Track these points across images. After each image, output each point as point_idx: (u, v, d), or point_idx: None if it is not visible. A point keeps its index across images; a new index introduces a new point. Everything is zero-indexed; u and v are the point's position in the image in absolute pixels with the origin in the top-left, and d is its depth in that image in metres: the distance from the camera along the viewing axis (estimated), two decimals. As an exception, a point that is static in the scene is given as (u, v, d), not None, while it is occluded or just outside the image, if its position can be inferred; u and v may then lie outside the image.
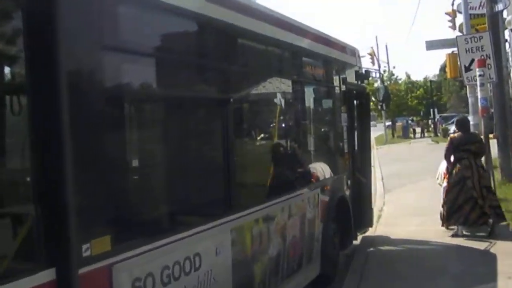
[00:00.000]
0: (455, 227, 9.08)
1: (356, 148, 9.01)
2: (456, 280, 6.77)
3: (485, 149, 9.56)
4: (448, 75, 21.35)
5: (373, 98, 35.73)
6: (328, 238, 7.09)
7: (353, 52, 8.86)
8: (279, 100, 6.13)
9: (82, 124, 3.24)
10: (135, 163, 4.13)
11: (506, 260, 7.37)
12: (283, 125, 6.48)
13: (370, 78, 11.31)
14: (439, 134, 42.23)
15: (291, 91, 6.51)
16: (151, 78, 4.25)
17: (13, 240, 3.07)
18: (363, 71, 9.31)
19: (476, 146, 9.06)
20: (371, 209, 9.68)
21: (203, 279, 4.24)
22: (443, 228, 9.30)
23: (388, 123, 47.59)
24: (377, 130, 51.89)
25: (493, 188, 9.46)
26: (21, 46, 2.98)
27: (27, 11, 2.95)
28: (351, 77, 8.61)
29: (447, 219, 9.06)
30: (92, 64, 3.40)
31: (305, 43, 6.85)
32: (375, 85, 23.87)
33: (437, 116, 50.16)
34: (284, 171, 6.42)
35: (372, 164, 10.95)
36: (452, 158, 9.05)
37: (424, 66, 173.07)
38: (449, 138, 9.57)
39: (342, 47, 8.36)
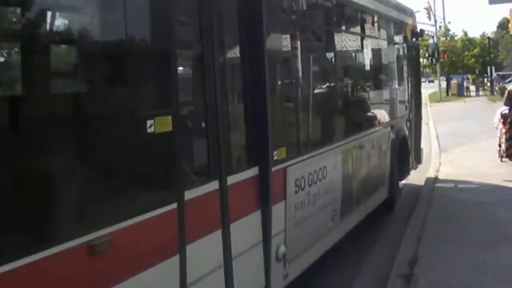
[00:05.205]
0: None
1: (411, 95, 10.50)
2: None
3: None
4: (511, 31, 20.94)
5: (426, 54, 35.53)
6: (394, 168, 8.71)
7: (410, 14, 10.37)
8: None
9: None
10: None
11: None
12: (371, 79, 8.40)
13: (425, 35, 12.80)
14: (495, 93, 39.32)
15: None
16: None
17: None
18: (418, 30, 10.77)
19: None
20: (421, 148, 11.26)
21: (328, 186, 5.85)
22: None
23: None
24: (431, 87, 47.22)
25: None
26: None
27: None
28: (408, 34, 10.09)
29: (506, 151, 12.05)
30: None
31: (371, 3, 8.20)
32: (430, 41, 24.09)
33: (494, 74, 47.67)
34: (371, 113, 8.16)
35: (426, 122, 11.79)
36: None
37: (481, 23, 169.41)
38: (507, 90, 13.17)
39: (401, 8, 9.81)
